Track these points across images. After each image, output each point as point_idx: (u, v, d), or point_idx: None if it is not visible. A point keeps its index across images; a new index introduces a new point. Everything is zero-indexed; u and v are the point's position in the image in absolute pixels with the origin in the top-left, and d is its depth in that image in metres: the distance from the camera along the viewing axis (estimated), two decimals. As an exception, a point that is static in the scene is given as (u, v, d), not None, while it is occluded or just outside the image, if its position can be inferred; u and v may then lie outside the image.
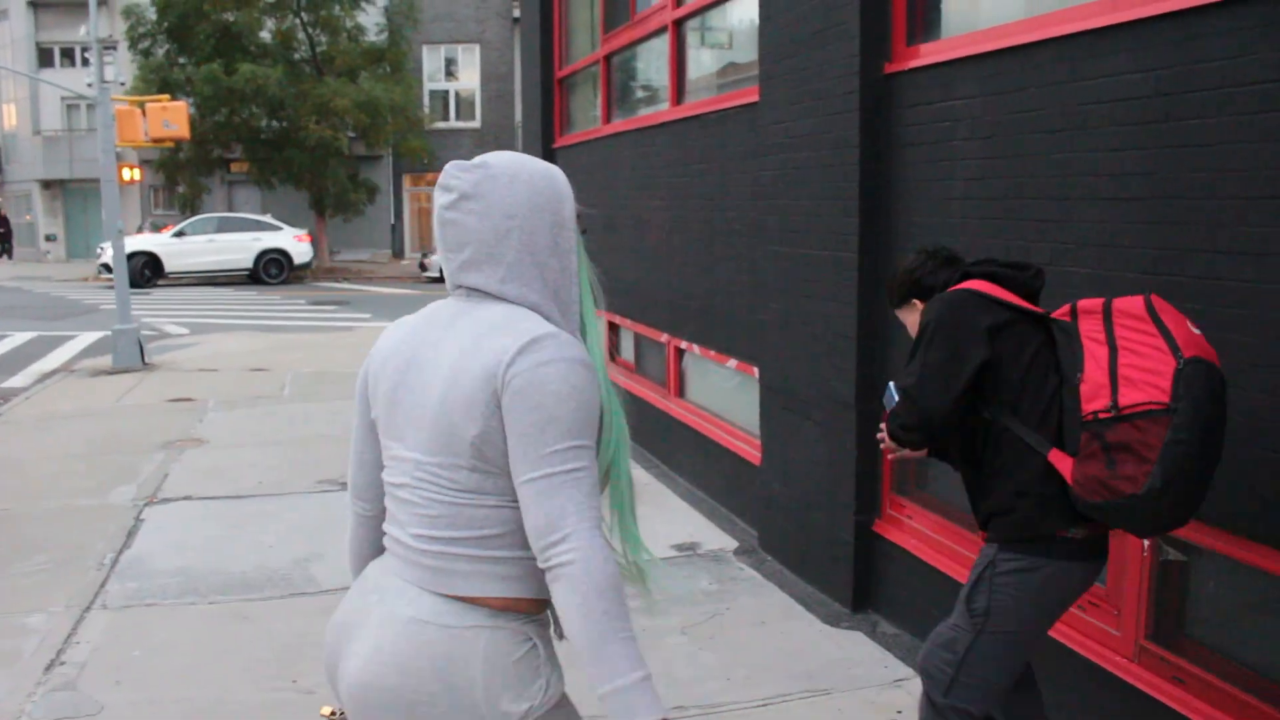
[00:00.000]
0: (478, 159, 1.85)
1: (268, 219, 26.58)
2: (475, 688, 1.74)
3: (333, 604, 4.99)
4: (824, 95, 4.74)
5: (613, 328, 8.73)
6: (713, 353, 6.52)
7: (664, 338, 7.38)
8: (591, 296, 1.91)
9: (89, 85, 25.21)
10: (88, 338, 15.90)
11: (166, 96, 14.49)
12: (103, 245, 26.58)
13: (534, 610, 1.82)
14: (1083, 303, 2.69)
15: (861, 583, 4.76)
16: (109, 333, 12.90)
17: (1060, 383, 2.64)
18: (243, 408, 10.01)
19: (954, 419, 2.72)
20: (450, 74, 33.48)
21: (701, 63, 7.03)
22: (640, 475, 7.33)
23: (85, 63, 28.95)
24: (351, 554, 2.16)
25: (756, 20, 5.49)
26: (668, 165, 6.98)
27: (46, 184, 34.22)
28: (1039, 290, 2.89)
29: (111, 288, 24.85)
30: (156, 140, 12.91)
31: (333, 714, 2.22)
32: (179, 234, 25.48)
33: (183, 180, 28.25)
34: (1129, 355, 2.50)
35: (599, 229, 8.57)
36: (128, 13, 26.51)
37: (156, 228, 28.70)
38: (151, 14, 26.38)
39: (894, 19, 4.44)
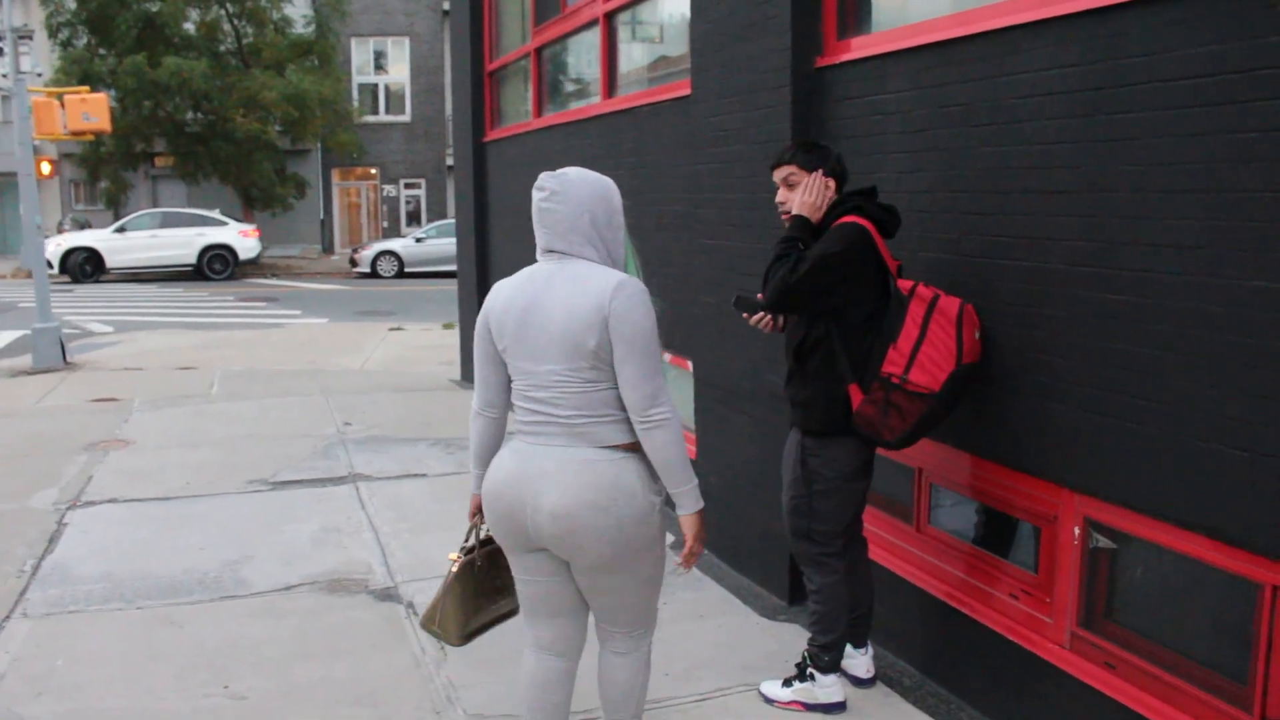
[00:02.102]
0: (559, 171, 2.88)
1: (214, 214, 26.03)
2: (636, 486, 2.82)
3: (264, 606, 4.98)
4: (755, 89, 4.74)
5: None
6: (648, 347, 6.50)
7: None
8: (635, 254, 3.18)
9: (3, 76, 24.60)
10: (6, 337, 15.46)
11: (86, 88, 14.11)
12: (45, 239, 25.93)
13: (639, 449, 2.84)
14: (921, 288, 3.45)
15: (798, 576, 4.77)
16: (28, 331, 12.54)
17: (876, 337, 3.45)
18: (169, 407, 9.79)
19: (804, 310, 3.58)
20: (380, 67, 33.09)
21: (633, 56, 7.01)
22: (576, 470, 7.30)
23: (3, 52, 28.14)
24: (481, 447, 3.07)
25: (688, 13, 5.48)
26: (599, 159, 6.93)
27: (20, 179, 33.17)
28: (894, 233, 3.63)
29: (58, 283, 24.66)
30: (76, 133, 12.54)
31: (465, 558, 3.26)
32: (120, 229, 25.04)
33: (105, 175, 27.59)
34: (929, 347, 3.35)
35: (527, 223, 8.51)
36: (46, 1, 25.79)
37: (78, 223, 28.02)
38: (71, 3, 25.70)
39: (825, 12, 4.45)
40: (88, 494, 6.89)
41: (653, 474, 2.86)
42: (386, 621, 4.79)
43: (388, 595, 5.10)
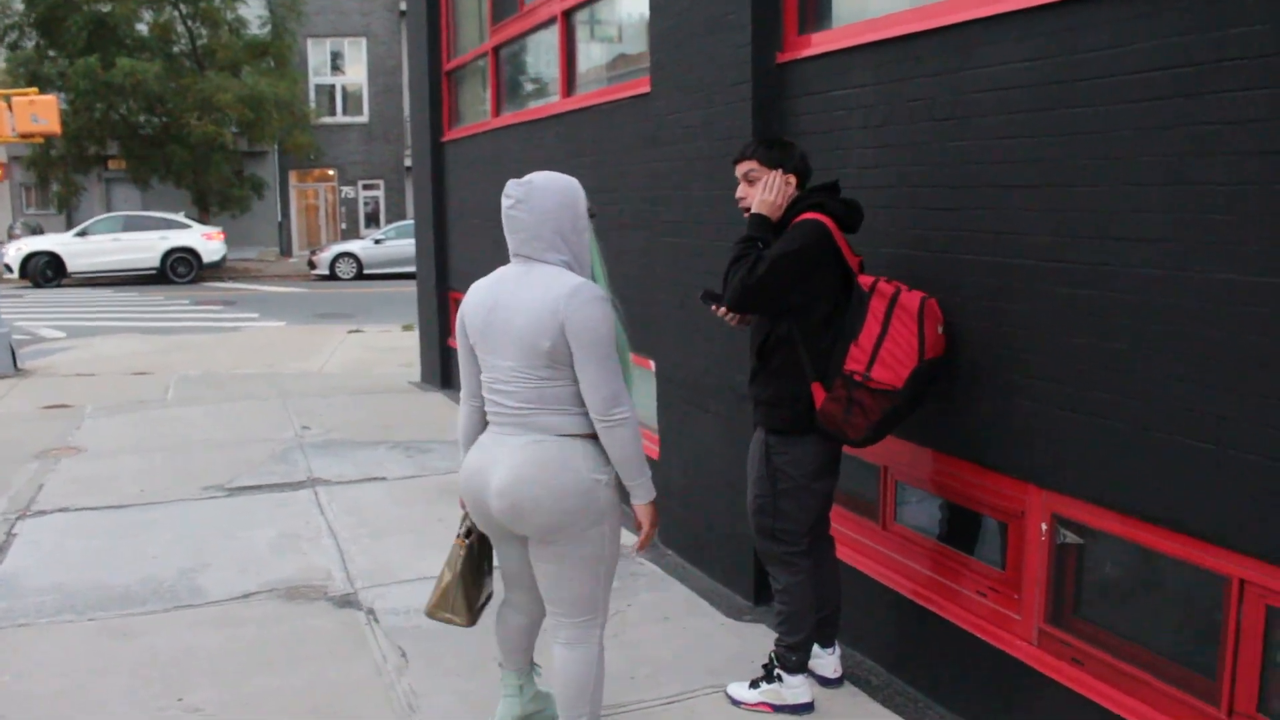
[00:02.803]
0: (526, 178, 3.02)
1: (178, 217, 25.66)
2: (578, 463, 2.99)
3: (221, 615, 4.88)
4: (716, 86, 4.70)
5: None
6: (609, 347, 6.44)
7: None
8: (600, 256, 3.15)
9: (-49, 78, 24.16)
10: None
11: (34, 90, 13.85)
12: (3, 245, 25.53)
13: (594, 438, 3.01)
14: (881, 284, 3.41)
15: (763, 576, 4.72)
16: (-22, 338, 12.29)
17: (838, 334, 3.44)
18: (123, 413, 9.61)
19: (765, 309, 3.57)
20: (336, 68, 32.80)
21: (592, 54, 6.95)
22: (539, 472, 7.23)
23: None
24: (465, 435, 3.26)
25: (647, 11, 5.43)
26: (559, 158, 6.87)
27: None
28: (857, 228, 3.61)
29: (20, 287, 24.20)
30: (24, 136, 12.31)
31: (467, 543, 3.46)
32: (82, 233, 24.67)
33: (56, 178, 27.13)
34: (891, 343, 3.34)
35: (486, 223, 8.43)
36: (-9, 4, 25.37)
37: (30, 228, 27.53)
38: (18, 4, 25.25)
39: (785, 7, 4.41)
40: (38, 503, 6.73)
41: (601, 459, 3.01)
42: (346, 629, 4.70)
43: (347, 602, 5.01)
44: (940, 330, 3.41)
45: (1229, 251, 2.63)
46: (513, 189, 3.01)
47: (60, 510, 6.59)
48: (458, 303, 9.93)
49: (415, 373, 11.32)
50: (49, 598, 5.11)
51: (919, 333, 3.32)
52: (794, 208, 3.55)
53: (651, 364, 5.71)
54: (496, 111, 8.39)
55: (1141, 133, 2.83)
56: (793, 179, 3.58)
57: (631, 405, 3.00)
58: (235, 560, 5.62)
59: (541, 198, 2.99)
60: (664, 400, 5.51)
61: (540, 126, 7.22)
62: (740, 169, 3.66)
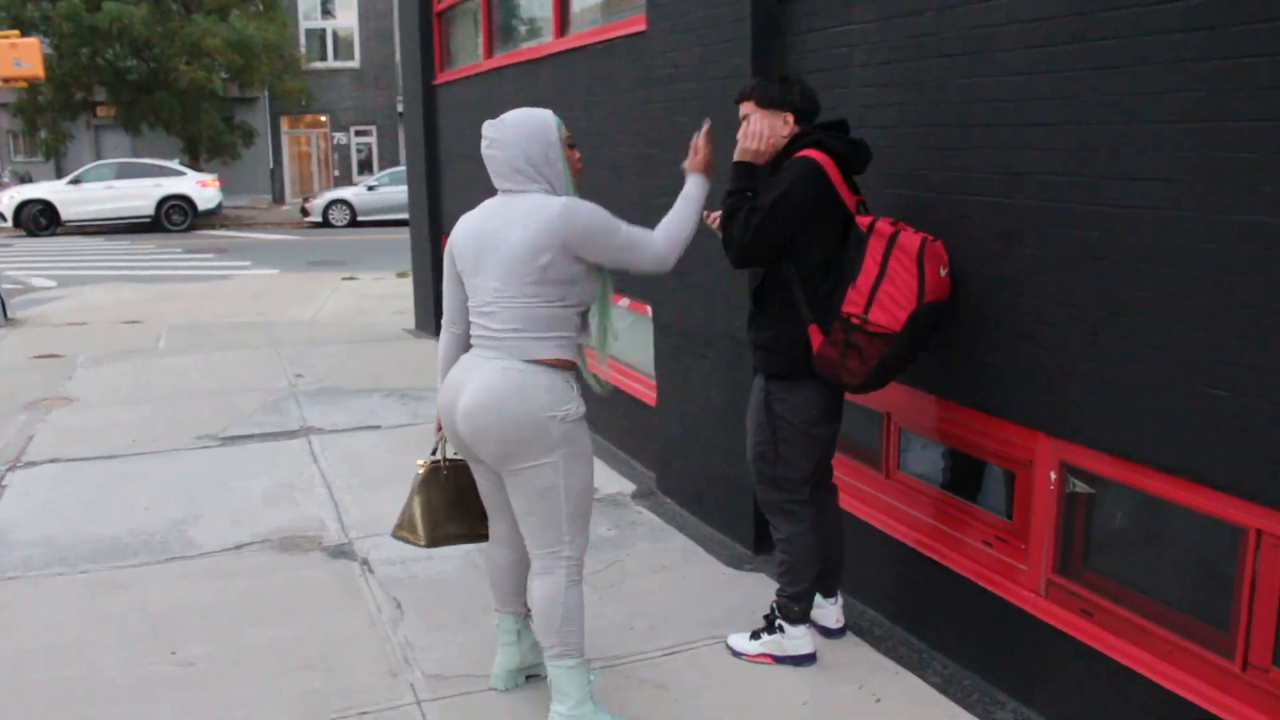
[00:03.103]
0: (500, 117, 3.16)
1: (173, 164, 25.31)
2: (538, 394, 3.04)
3: (213, 567, 4.83)
4: (713, 22, 4.55)
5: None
6: (606, 293, 6.33)
7: (555, 279, 7.16)
8: (573, 182, 3.22)
9: (-67, 23, 23.76)
10: (-57, 294, 14.96)
11: (16, 33, 13.58)
12: (5, 190, 25.25)
13: (567, 367, 3.13)
14: (880, 223, 3.27)
15: (763, 525, 4.66)
16: (-35, 288, 12.15)
17: (837, 276, 3.34)
18: (114, 363, 9.51)
19: (771, 260, 3.43)
20: (327, 11, 32.27)
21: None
22: (535, 421, 7.15)
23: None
24: (443, 360, 3.33)
25: (643, -56, 5.25)
26: (551, 100, 6.71)
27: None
28: (862, 171, 3.48)
29: (13, 236, 23.92)
30: (6, 80, 12.14)
31: (431, 463, 3.55)
32: (76, 181, 24.35)
33: (44, 125, 26.77)
34: (889, 285, 3.22)
35: (479, 168, 8.26)
36: (-27, -55, 24.84)
37: (18, 176, 27.24)
38: (1, -55, 24.78)
39: (786, -60, 4.26)
40: (28, 454, 6.65)
41: (564, 392, 3.09)
42: (341, 580, 4.64)
43: (342, 552, 4.95)
44: (944, 272, 3.28)
45: (1256, 193, 2.51)
46: (487, 129, 3.16)
47: (51, 461, 6.51)
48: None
49: (409, 320, 11.21)
50: (39, 550, 5.04)
51: (919, 274, 3.19)
52: (792, 146, 3.43)
53: (649, 310, 5.61)
54: (489, 53, 8.20)
55: (1169, 66, 2.70)
56: (790, 118, 3.44)
57: (671, 234, 3.29)
58: (228, 511, 5.55)
59: (513, 133, 3.12)
60: (661, 348, 5.41)
61: (532, 68, 7.05)
62: (741, 110, 3.53)
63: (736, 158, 3.47)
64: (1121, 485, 3.02)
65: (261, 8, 27.25)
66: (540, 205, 3.07)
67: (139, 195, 24.38)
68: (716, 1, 4.50)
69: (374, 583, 4.59)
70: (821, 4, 4.01)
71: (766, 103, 3.45)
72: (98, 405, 7.93)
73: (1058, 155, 3.03)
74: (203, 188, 24.86)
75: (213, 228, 25.62)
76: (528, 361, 3.06)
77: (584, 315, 3.21)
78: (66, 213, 24.02)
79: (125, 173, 24.70)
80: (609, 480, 5.88)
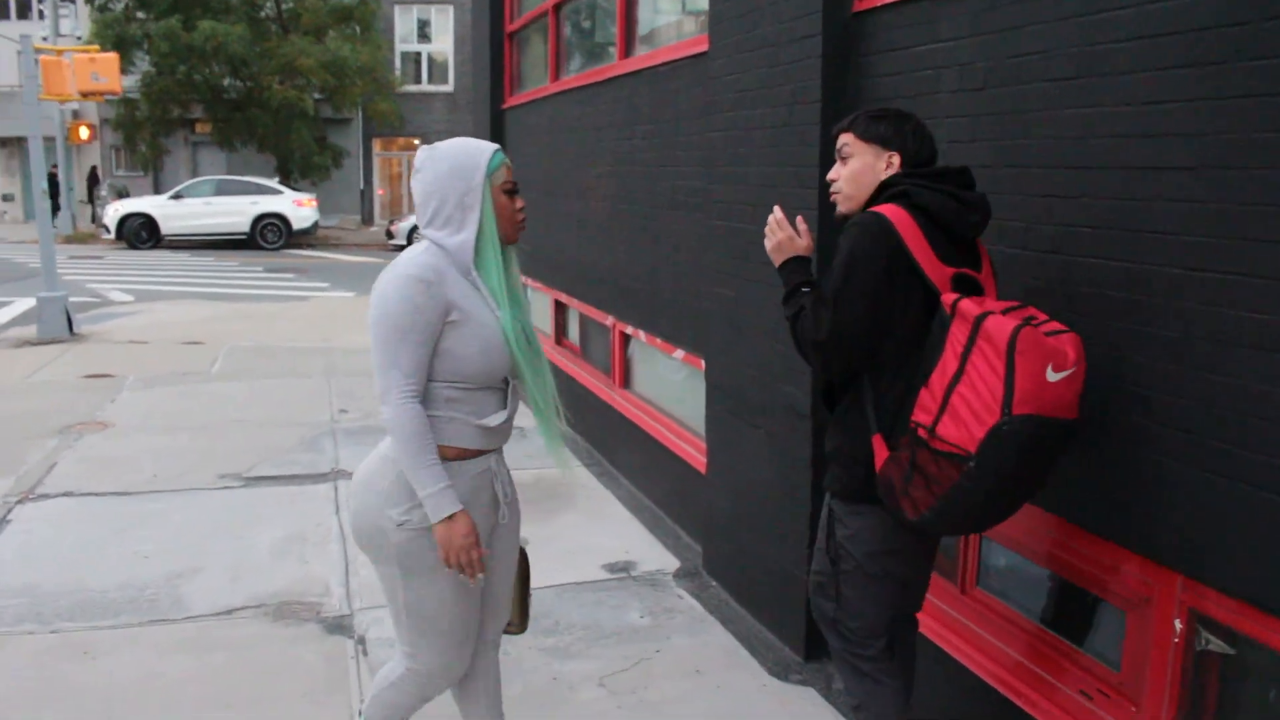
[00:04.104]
0: (437, 144, 2.64)
1: (271, 182, 25.46)
2: (380, 490, 2.61)
3: (197, 636, 4.23)
4: (780, 40, 3.93)
5: (559, 306, 7.92)
6: (659, 340, 5.72)
7: (608, 320, 6.58)
8: (496, 239, 2.61)
9: (44, 39, 24.19)
10: (24, 304, 14.91)
11: (95, 48, 13.53)
12: (108, 203, 25.68)
13: (454, 455, 2.60)
14: (965, 303, 2.42)
15: (814, 628, 3.99)
16: (45, 300, 12.01)
17: (914, 372, 2.51)
18: (162, 386, 9.18)
19: (862, 359, 2.58)
20: (424, 36, 32.35)
21: (655, 9, 6.18)
22: (581, 474, 6.56)
23: (43, 15, 27.76)
24: None
25: (711, -44, 4.65)
26: (612, 126, 6.16)
27: (2, 142, 32.98)
28: (976, 234, 2.62)
29: (114, 248, 24.25)
30: (84, 94, 11.97)
31: None
32: (176, 196, 24.61)
33: (142, 140, 27.14)
34: (968, 387, 2.36)
35: (543, 197, 7.75)
36: (83, -37, 25.34)
37: (116, 190, 27.64)
38: (109, -35, 25.23)
39: (867, -54, 3.62)
40: (44, 485, 6.27)
41: (405, 492, 2.59)
42: (329, 663, 4.07)
43: (339, 626, 4.39)
44: (1056, 375, 2.34)
45: None
46: (417, 156, 2.68)
47: (64, 495, 6.12)
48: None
49: (471, 353, 10.73)
50: (16, 602, 4.59)
51: (1007, 374, 2.30)
52: (876, 196, 2.65)
53: (702, 364, 4.98)
54: (555, 75, 7.68)
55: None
56: (895, 159, 2.64)
57: (398, 406, 2.51)
58: (230, 565, 5.05)
59: (435, 166, 2.60)
60: (712, 410, 4.77)
61: (595, 91, 6.50)
62: (838, 142, 2.76)
63: (770, 253, 2.78)
64: (1274, 651, 2.29)
65: (358, 30, 27.30)
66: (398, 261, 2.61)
67: (236, 212, 24.50)
68: (785, 15, 3.88)
69: (364, 668, 4.01)
70: (904, 18, 3.37)
71: (871, 137, 2.69)
72: (132, 432, 7.57)
73: (1199, 210, 2.34)
74: (298, 207, 24.85)
75: (309, 247, 25.62)
76: (382, 447, 2.67)
77: (502, 389, 2.65)
78: (166, 227, 24.26)
79: (224, 189, 24.86)
80: (649, 551, 5.24)
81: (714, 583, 4.80)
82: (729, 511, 4.61)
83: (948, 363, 2.39)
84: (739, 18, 4.25)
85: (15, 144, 32.96)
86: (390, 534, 2.61)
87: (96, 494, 6.14)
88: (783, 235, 2.73)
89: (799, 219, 2.77)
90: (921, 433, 2.41)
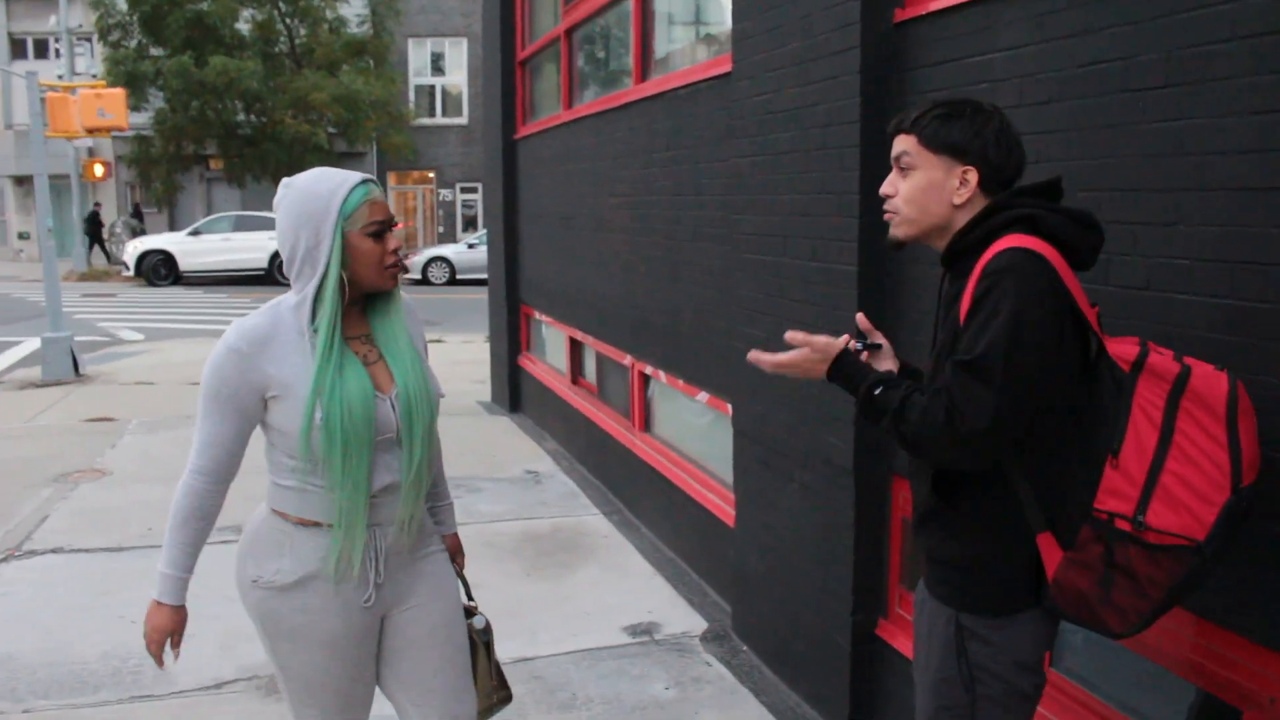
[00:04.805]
0: (296, 175, 2.35)
1: None
2: (242, 547, 2.50)
3: (181, 713, 3.90)
4: (812, 56, 3.58)
5: (574, 344, 7.57)
6: (681, 382, 5.36)
7: (627, 360, 6.22)
8: (336, 295, 2.27)
9: (59, 77, 24.17)
10: (32, 345, 14.68)
11: (102, 83, 13.34)
12: (122, 240, 25.58)
13: (294, 521, 2.38)
14: (1156, 359, 1.92)
15: (860, 700, 3.60)
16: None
17: (1077, 444, 1.95)
18: (165, 430, 8.85)
19: (1005, 444, 1.96)
20: (438, 69, 32.27)
21: (672, 30, 5.86)
22: (600, 524, 6.18)
23: (59, 54, 27.76)
24: None
25: (732, -30, 4.32)
26: (630, 154, 5.82)
27: (19, 180, 32.96)
28: (1091, 259, 2.07)
29: (131, 285, 24.09)
30: (91, 130, 11.76)
31: None
32: (194, 232, 24.58)
33: (157, 177, 27.07)
34: (1183, 462, 1.86)
35: (554, 230, 7.43)
36: (97, 3, 25.29)
37: (131, 227, 27.53)
38: (122, 4, 25.19)
39: (907, -50, 3.28)
40: (33, 540, 5.94)
41: (268, 551, 2.41)
42: (322, 746, 3.69)
43: (336, 702, 4.01)
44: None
45: None
46: (280, 189, 2.35)
47: (53, 551, 5.78)
48: (529, 318, 9.02)
49: (486, 391, 10.39)
50: (-10, 675, 4.24)
51: (1230, 440, 1.86)
52: (975, 228, 2.05)
53: (729, 409, 4.60)
54: (568, 103, 7.36)
55: None
56: (972, 175, 2.07)
57: (186, 474, 2.39)
58: (221, 632, 4.67)
59: (285, 208, 2.29)
60: (740, 459, 4.40)
61: (610, 118, 6.17)
62: (894, 148, 2.17)
63: (782, 367, 2.24)
64: None
65: (371, 64, 27.21)
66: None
67: (254, 248, 24.33)
68: (818, 29, 3.53)
69: None
70: (954, 26, 3.01)
71: (941, 145, 2.08)
72: (129, 480, 7.24)
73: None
74: None
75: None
76: (267, 504, 2.46)
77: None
78: (185, 264, 24.15)
79: (242, 225, 24.73)
80: (674, 611, 4.85)
81: (745, 647, 4.40)
82: (761, 570, 4.23)
83: (1143, 432, 1.89)
84: (766, 34, 3.90)
85: (32, 183, 33.00)
86: (248, 591, 2.43)
87: (87, 550, 5.80)
88: (800, 359, 2.19)
89: (789, 335, 2.21)
90: (1123, 524, 1.89)
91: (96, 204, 29.62)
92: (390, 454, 2.35)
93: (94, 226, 28.43)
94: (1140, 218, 2.38)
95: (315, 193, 2.25)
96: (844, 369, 2.17)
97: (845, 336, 2.24)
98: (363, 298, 2.38)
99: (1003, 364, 1.88)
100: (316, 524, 2.34)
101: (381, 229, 2.29)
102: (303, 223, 2.24)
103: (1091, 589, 1.94)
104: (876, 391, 2.07)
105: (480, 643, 2.66)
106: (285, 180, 2.31)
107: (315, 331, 2.27)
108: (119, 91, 11.83)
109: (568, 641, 4.45)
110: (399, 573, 2.46)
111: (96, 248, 27.96)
